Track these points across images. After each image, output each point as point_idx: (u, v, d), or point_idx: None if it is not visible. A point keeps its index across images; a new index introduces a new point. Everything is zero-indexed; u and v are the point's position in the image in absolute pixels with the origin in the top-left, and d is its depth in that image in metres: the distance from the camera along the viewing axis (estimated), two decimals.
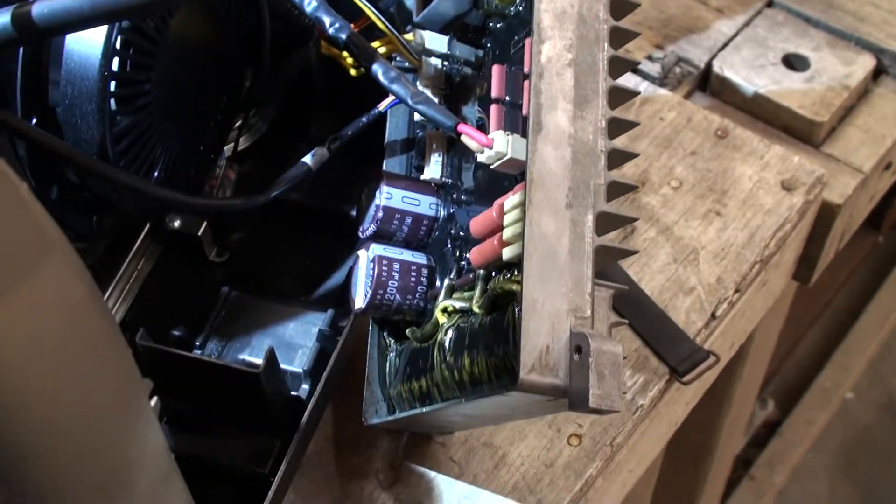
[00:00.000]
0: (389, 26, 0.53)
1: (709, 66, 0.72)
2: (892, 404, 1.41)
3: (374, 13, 0.52)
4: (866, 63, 0.72)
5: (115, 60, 0.46)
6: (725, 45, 0.73)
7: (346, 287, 0.56)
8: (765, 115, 0.71)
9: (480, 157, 0.45)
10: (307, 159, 0.53)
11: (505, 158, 0.44)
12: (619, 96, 0.45)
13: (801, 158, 0.65)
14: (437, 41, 0.54)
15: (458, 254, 0.50)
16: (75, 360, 0.28)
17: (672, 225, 0.62)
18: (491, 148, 0.45)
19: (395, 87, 0.48)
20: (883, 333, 1.35)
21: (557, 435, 0.55)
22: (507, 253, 0.43)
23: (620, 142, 0.44)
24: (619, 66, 0.46)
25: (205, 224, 0.58)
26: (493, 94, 0.48)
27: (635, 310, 0.58)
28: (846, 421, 1.35)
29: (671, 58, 0.73)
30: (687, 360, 0.56)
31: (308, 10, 0.49)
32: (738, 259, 0.61)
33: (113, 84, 0.46)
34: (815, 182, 0.64)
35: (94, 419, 0.30)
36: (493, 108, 0.47)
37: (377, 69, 0.48)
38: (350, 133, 0.54)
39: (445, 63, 0.54)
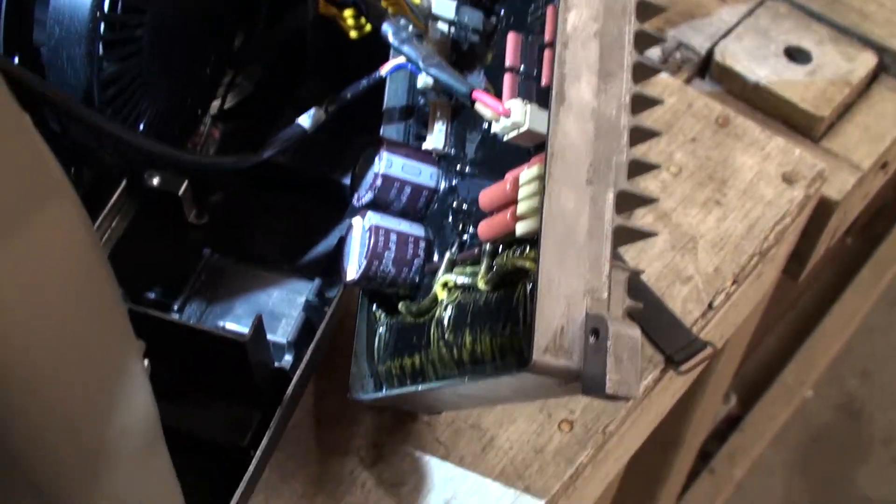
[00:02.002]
0: None
1: (710, 53, 0.71)
2: (848, 405, 1.42)
3: None
4: (868, 60, 0.70)
5: (107, 1, 0.43)
6: (727, 33, 0.71)
7: (334, 257, 0.54)
8: (764, 105, 0.69)
9: (495, 127, 0.43)
10: (303, 120, 0.50)
11: (521, 130, 0.42)
12: (642, 72, 0.43)
13: (803, 151, 0.64)
14: (444, 6, 0.51)
15: (460, 227, 0.47)
16: (74, 310, 0.25)
17: (670, 212, 0.61)
18: (507, 117, 0.42)
19: (406, 48, 0.45)
20: (846, 334, 1.35)
21: (548, 420, 0.53)
22: (521, 228, 0.41)
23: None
24: (644, 41, 0.44)
25: (186, 183, 0.55)
26: (508, 62, 0.45)
27: (632, 296, 0.56)
28: (804, 419, 1.36)
29: (672, 42, 0.71)
30: (683, 349, 0.55)
31: None
32: (736, 250, 0.59)
33: (102, 27, 0.43)
34: (816, 176, 0.63)
35: (88, 375, 0.27)
36: (508, 77, 0.45)
37: (388, 29, 0.46)
38: (349, 96, 0.51)
39: (452, 29, 0.52)
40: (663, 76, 0.68)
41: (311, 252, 0.56)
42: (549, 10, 0.44)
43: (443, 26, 0.52)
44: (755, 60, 0.70)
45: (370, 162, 0.50)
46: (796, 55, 0.71)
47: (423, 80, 0.50)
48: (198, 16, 0.51)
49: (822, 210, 0.66)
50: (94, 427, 0.29)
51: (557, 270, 0.38)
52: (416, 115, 0.53)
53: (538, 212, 0.39)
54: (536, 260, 0.38)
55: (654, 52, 0.70)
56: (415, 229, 0.49)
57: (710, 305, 0.57)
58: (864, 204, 0.74)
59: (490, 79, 0.49)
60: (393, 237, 0.48)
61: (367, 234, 0.48)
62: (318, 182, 0.57)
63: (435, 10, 0.51)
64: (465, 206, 0.48)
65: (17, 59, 0.43)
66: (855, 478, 1.34)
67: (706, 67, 0.71)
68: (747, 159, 0.63)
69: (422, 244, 0.49)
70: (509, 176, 0.42)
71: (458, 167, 0.49)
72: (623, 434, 0.55)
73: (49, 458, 0.28)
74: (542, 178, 0.40)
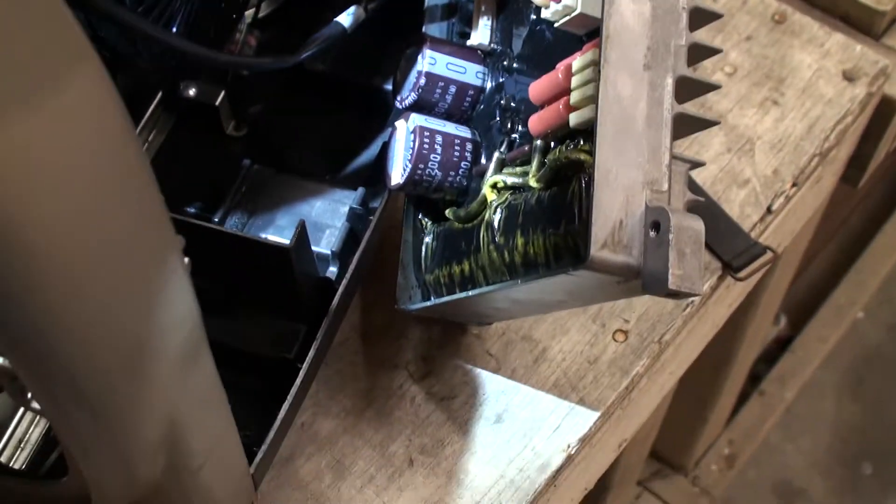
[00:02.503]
0: None
1: None
2: None
3: None
4: None
5: None
6: None
7: (377, 165, 0.52)
8: (822, 1, 0.66)
9: (545, 13, 0.40)
10: (342, 19, 0.48)
11: (574, 14, 0.40)
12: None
13: (864, 48, 0.61)
14: None
15: (508, 126, 0.45)
16: (108, 191, 0.24)
17: (726, 113, 0.58)
18: (558, 1, 0.40)
19: None
20: None
21: (602, 330, 0.51)
22: (575, 118, 0.38)
23: None
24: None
25: (223, 93, 0.54)
26: None
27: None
28: (855, 339, 1.33)
29: None
30: (742, 254, 0.53)
31: None
32: (796, 151, 0.57)
33: None
34: (879, 73, 0.60)
35: (125, 266, 0.26)
36: None
37: None
38: None
39: None
40: None
41: (354, 162, 0.54)
42: None
43: None
44: None
45: (413, 62, 0.48)
46: None
47: None
48: None
49: (885, 109, 0.63)
50: (133, 322, 0.27)
51: (615, 161, 0.36)
52: (460, 13, 0.50)
53: (593, 100, 0.37)
54: (592, 151, 0.36)
55: None
56: (461, 131, 0.47)
57: (768, 209, 0.55)
58: None
59: None
60: (438, 139, 0.46)
61: (412, 137, 0.46)
62: (359, 89, 0.55)
63: None
64: (513, 104, 0.45)
65: None
66: None
67: None
68: (805, 57, 0.60)
69: (468, 146, 0.47)
70: (561, 65, 0.40)
71: (506, 63, 0.47)
72: (679, 345, 0.53)
73: (86, 352, 0.26)
74: (596, 64, 0.37)
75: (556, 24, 0.40)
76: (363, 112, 0.55)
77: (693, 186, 0.54)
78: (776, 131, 0.57)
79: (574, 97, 0.38)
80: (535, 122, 0.41)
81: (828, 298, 1.26)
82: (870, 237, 1.32)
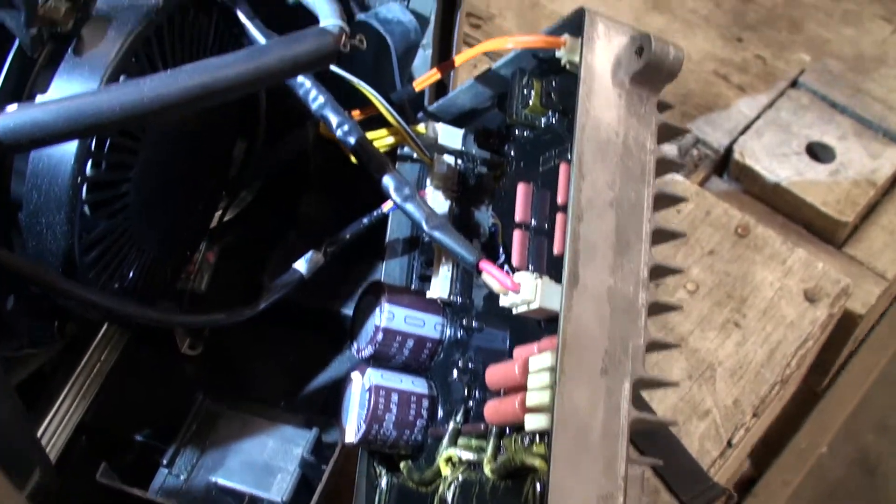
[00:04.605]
0: (400, 120, 0.47)
1: (728, 150, 0.68)
2: (864, 460, 1.38)
3: (385, 106, 0.47)
4: (893, 157, 0.68)
5: (90, 162, 0.40)
6: (747, 128, 0.69)
7: (332, 392, 0.51)
8: (786, 207, 0.66)
9: (504, 301, 0.40)
10: (300, 265, 0.47)
11: (532, 307, 0.39)
12: (661, 236, 0.41)
13: (826, 265, 0.61)
14: (451, 135, 0.49)
15: (466, 392, 0.44)
16: None
17: (687, 335, 0.58)
18: (517, 292, 0.39)
19: (408, 206, 0.42)
20: (861, 392, 1.32)
21: None
22: (531, 423, 0.38)
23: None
24: (662, 203, 0.41)
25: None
26: (518, 217, 0.42)
27: (648, 436, 0.53)
28: (818, 475, 1.32)
29: (689, 139, 0.68)
30: (700, 496, 0.52)
31: (314, 107, 0.44)
32: (756, 379, 0.56)
33: (85, 189, 0.40)
34: (840, 293, 0.60)
35: None
36: (517, 235, 0.42)
37: (388, 184, 0.43)
38: (349, 237, 0.48)
39: (459, 161, 0.49)
40: (679, 179, 0.65)
41: (309, 386, 0.53)
42: (563, 168, 0.41)
43: (449, 158, 0.49)
44: (776, 159, 0.67)
45: (371, 307, 0.47)
46: (819, 152, 0.68)
47: None
48: (189, 152, 0.48)
49: (846, 323, 0.63)
50: None
51: (570, 478, 0.35)
52: (421, 248, 0.50)
53: (549, 409, 0.36)
54: (547, 461, 0.35)
55: (670, 150, 0.67)
56: (418, 386, 0.46)
57: (728, 443, 0.54)
58: (887, 304, 0.71)
59: (498, 214, 0.46)
60: (394, 397, 0.45)
61: (367, 395, 0.45)
62: (317, 314, 0.54)
63: (441, 140, 0.48)
64: (470, 365, 0.45)
65: None
66: None
67: (724, 165, 0.68)
68: (768, 274, 0.60)
69: (425, 403, 0.46)
70: (518, 355, 0.39)
71: (465, 321, 0.46)
72: None
73: None
74: (553, 371, 0.37)
75: (514, 313, 0.40)
76: (321, 335, 0.54)
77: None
78: (737, 356, 0.57)
79: (530, 399, 0.38)
80: (491, 412, 0.40)
81: (791, 440, 1.25)
82: (835, 376, 1.32)
